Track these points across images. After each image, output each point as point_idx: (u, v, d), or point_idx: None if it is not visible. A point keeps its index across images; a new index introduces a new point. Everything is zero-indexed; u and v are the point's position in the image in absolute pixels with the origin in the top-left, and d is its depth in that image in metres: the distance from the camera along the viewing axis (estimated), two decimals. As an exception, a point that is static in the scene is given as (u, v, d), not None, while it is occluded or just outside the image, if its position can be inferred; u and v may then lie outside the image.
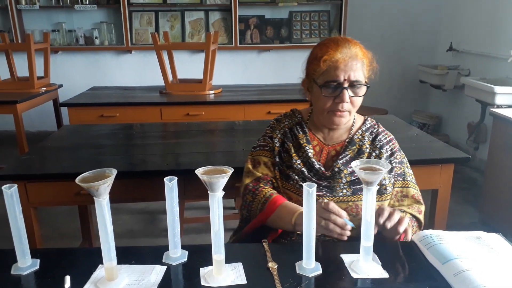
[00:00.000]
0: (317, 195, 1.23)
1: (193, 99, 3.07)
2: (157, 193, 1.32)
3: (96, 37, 4.45)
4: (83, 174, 0.88)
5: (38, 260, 1.02)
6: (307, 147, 1.31)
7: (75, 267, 1.01)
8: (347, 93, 1.22)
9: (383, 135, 1.35)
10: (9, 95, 3.18)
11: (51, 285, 0.94)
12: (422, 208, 1.31)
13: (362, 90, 1.25)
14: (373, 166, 0.94)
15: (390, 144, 1.34)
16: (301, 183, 1.26)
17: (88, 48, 4.48)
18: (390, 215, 1.09)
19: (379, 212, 1.08)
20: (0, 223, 2.23)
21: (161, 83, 3.31)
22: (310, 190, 0.91)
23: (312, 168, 1.29)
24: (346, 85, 1.21)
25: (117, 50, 4.54)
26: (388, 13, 4.64)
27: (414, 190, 1.32)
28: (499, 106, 3.06)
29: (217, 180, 0.87)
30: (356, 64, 1.22)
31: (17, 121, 3.01)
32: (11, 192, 0.93)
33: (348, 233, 1.07)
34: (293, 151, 1.32)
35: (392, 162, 1.31)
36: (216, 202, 0.90)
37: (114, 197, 1.76)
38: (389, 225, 1.07)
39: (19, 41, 4.28)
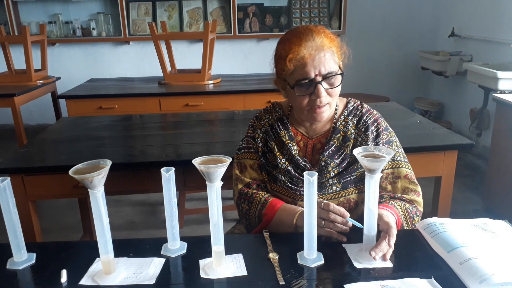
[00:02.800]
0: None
1: (192, 90, 3.03)
2: (157, 185, 1.28)
3: (93, 29, 4.40)
4: (77, 165, 0.86)
5: (34, 254, 1.00)
6: (290, 144, 1.25)
7: (72, 260, 0.99)
8: (322, 87, 1.14)
9: (367, 116, 1.26)
10: (6, 88, 3.15)
11: (48, 280, 0.92)
12: (419, 188, 1.24)
13: (338, 79, 1.16)
14: (375, 153, 0.91)
15: (375, 124, 1.25)
16: (289, 183, 1.22)
17: (86, 39, 4.43)
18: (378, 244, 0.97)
19: (386, 228, 0.99)
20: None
21: (160, 74, 3.27)
22: (311, 179, 0.88)
23: (298, 165, 1.23)
24: (319, 79, 1.13)
25: (114, 41, 4.49)
26: (389, 0, 4.57)
27: (407, 170, 1.23)
28: (502, 92, 3.02)
29: (215, 170, 0.84)
30: (324, 56, 1.12)
31: (15, 114, 2.98)
32: (4, 185, 0.91)
33: (348, 229, 1.03)
34: (276, 150, 1.26)
35: (379, 143, 1.23)
36: (214, 192, 0.88)
37: (114, 189, 1.76)
38: (376, 257, 0.95)
39: (16, 34, 4.23)
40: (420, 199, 1.22)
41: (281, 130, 1.27)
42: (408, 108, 2.46)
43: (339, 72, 1.16)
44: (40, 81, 3.37)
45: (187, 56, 4.35)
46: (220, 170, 0.85)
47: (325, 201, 1.06)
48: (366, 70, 4.64)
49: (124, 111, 2.85)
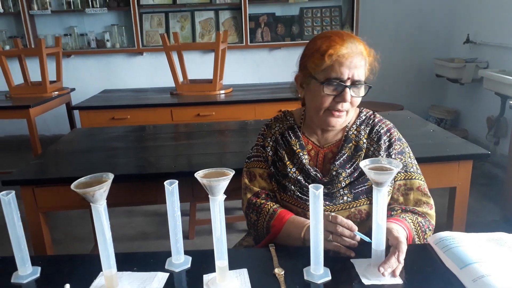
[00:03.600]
0: None
1: (203, 100, 3.04)
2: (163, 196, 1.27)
3: (107, 40, 4.47)
4: (79, 179, 0.85)
5: (39, 268, 1.00)
6: (300, 153, 1.23)
7: (76, 274, 0.99)
8: (349, 92, 1.13)
9: (380, 126, 1.24)
10: (22, 100, 3.21)
11: (52, 294, 0.92)
12: (431, 201, 1.21)
13: (363, 90, 1.17)
14: (383, 166, 0.89)
15: (388, 134, 1.23)
16: (298, 193, 1.20)
17: (100, 51, 4.50)
18: (388, 260, 0.94)
19: (395, 243, 0.96)
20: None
21: (173, 84, 3.29)
22: (316, 192, 0.86)
23: (309, 175, 1.21)
24: (349, 83, 1.13)
25: (128, 52, 4.55)
26: (402, 6, 4.54)
27: (420, 182, 1.21)
28: (520, 99, 2.94)
29: (217, 184, 0.83)
30: (360, 61, 1.13)
31: (30, 125, 3.03)
32: (9, 198, 0.91)
33: (356, 244, 1.00)
34: (286, 159, 1.23)
35: (391, 153, 1.21)
36: (217, 206, 0.86)
37: (123, 200, 1.76)
38: (385, 273, 0.92)
39: (32, 46, 4.32)
40: (432, 212, 1.18)
41: (292, 138, 1.25)
42: (423, 116, 2.42)
43: (367, 83, 1.16)
44: (55, 93, 3.42)
45: (199, 66, 4.37)
46: (222, 184, 0.83)
47: (332, 214, 1.03)
48: (380, 78, 4.53)
49: (136, 121, 2.87)
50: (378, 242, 0.92)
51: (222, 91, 3.21)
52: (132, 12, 4.33)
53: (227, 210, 2.99)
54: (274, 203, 1.22)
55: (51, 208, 1.72)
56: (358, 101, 1.17)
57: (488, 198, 3.07)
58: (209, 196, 0.85)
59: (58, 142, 2.06)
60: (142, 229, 2.85)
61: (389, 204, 1.21)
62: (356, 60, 1.12)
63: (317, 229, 0.89)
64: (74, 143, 2.07)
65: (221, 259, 0.90)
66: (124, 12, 4.45)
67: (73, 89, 3.71)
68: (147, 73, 4.64)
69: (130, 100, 3.17)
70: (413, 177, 1.21)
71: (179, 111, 2.95)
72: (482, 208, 2.93)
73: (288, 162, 1.23)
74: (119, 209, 3.08)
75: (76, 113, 3.06)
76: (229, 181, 0.84)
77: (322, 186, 0.86)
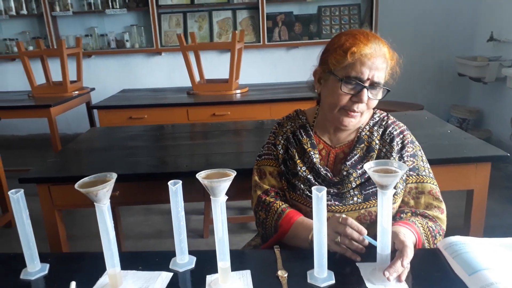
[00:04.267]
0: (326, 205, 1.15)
1: (219, 99, 3.05)
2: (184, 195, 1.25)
3: (127, 40, 4.53)
4: (83, 179, 0.86)
5: (48, 265, 1.02)
6: (311, 152, 1.22)
7: (83, 272, 1.00)
8: (367, 93, 1.12)
9: (393, 127, 1.23)
10: (43, 99, 3.29)
11: (58, 291, 0.93)
12: (443, 205, 1.18)
13: (381, 93, 1.15)
14: (388, 168, 0.87)
15: (401, 136, 1.22)
16: (308, 192, 1.19)
17: (119, 51, 4.57)
18: (393, 264, 0.91)
19: (401, 247, 0.93)
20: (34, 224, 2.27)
21: (190, 84, 3.32)
22: (319, 194, 0.85)
23: (319, 174, 1.19)
24: (367, 84, 1.11)
25: (147, 52, 4.60)
26: (423, 3, 4.43)
27: (432, 186, 1.18)
28: (545, 99, 2.83)
29: (218, 184, 0.83)
30: (382, 64, 1.12)
31: (51, 124, 3.10)
32: (17, 197, 0.93)
33: (364, 249, 0.98)
34: (297, 157, 1.23)
35: (403, 155, 1.19)
36: (219, 207, 0.86)
37: (142, 199, 1.77)
38: (391, 278, 0.89)
39: (55, 47, 4.43)
40: (443, 216, 1.16)
41: (303, 137, 1.25)
42: (444, 116, 2.36)
43: (386, 87, 1.14)
44: (75, 92, 3.49)
45: (217, 66, 4.38)
46: (223, 185, 0.83)
47: (344, 216, 1.02)
48: (399, 77, 4.50)
49: (153, 121, 2.91)
50: (383, 246, 0.90)
51: (238, 91, 3.21)
52: (150, 12, 4.38)
53: (241, 210, 2.99)
54: (283, 202, 1.22)
55: (66, 206, 1.75)
56: (374, 103, 1.16)
57: (510, 201, 2.97)
58: (211, 197, 0.85)
59: (75, 141, 2.10)
60: (158, 227, 2.88)
61: (399, 207, 1.19)
62: (378, 61, 1.11)
63: (321, 231, 0.88)
64: (90, 142, 2.11)
65: (223, 260, 0.89)
66: (143, 12, 4.50)
67: (92, 89, 3.78)
68: (166, 73, 4.68)
69: (147, 99, 3.21)
70: (425, 181, 1.19)
71: (195, 111, 2.97)
72: (503, 211, 2.84)
73: (299, 161, 1.22)
74: (137, 207, 3.12)
75: (95, 112, 3.12)
76: (230, 182, 0.84)
77: (325, 188, 0.85)
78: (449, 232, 1.10)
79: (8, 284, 0.96)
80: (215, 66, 4.33)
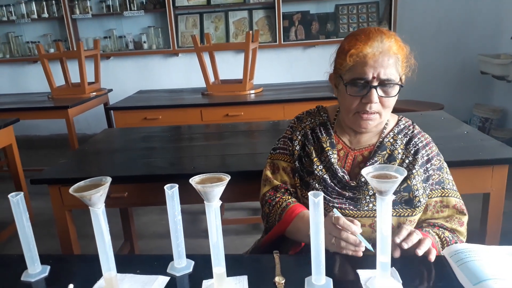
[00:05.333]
0: (339, 208, 1.13)
1: (233, 100, 3.04)
2: (193, 196, 1.23)
3: (144, 42, 4.59)
4: (78, 183, 0.86)
5: (48, 267, 1.03)
6: (330, 152, 1.17)
7: (82, 274, 1.01)
8: (376, 93, 1.07)
9: (418, 138, 1.18)
10: (62, 100, 3.36)
11: (57, 293, 0.94)
12: (465, 219, 1.15)
13: (395, 89, 1.09)
14: (387, 173, 0.84)
15: (427, 148, 1.17)
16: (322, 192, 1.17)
17: (137, 52, 4.63)
18: (409, 235, 0.96)
19: (396, 231, 0.97)
20: (49, 223, 2.32)
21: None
22: (316, 200, 0.82)
23: (336, 175, 1.16)
24: (375, 83, 1.07)
25: (164, 53, 4.65)
26: (444, 0, 4.32)
27: (456, 200, 1.16)
28: None
29: (211, 190, 0.81)
30: (388, 60, 1.06)
31: (68, 125, 3.16)
32: (17, 200, 0.94)
33: (362, 248, 0.96)
34: (314, 155, 1.19)
35: (429, 169, 1.15)
36: (213, 212, 0.85)
37: (155, 200, 1.78)
38: (405, 245, 0.94)
39: (75, 49, 4.52)
40: (463, 229, 1.13)
41: (323, 135, 1.21)
42: (466, 116, 2.28)
43: (399, 82, 1.09)
44: (93, 93, 3.55)
45: (232, 66, 4.38)
46: (216, 190, 0.82)
47: (336, 215, 0.99)
48: (419, 75, 4.38)
49: (167, 122, 2.93)
50: (382, 253, 0.87)
51: (252, 91, 3.20)
52: (167, 13, 4.42)
53: (254, 211, 2.98)
54: (290, 197, 1.20)
55: (76, 206, 1.77)
56: (390, 102, 1.10)
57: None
58: (205, 202, 0.84)
59: (88, 143, 2.13)
60: (171, 227, 2.90)
61: (421, 221, 1.17)
62: (382, 58, 1.06)
63: (318, 238, 0.86)
64: (103, 143, 2.14)
65: (218, 265, 0.88)
66: (160, 13, 4.55)
67: (110, 90, 3.84)
68: (182, 73, 4.72)
69: (162, 100, 3.23)
70: (449, 195, 1.16)
71: (208, 112, 2.98)
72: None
73: (316, 159, 1.19)
74: (151, 207, 3.15)
75: (112, 113, 3.16)
76: (224, 187, 0.83)
77: (322, 194, 0.83)
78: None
79: (9, 286, 0.98)
80: (231, 66, 4.34)
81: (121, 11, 4.48)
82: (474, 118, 4.25)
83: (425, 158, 1.16)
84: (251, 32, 3.10)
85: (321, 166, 1.18)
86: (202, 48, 3.24)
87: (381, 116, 1.12)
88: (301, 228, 1.10)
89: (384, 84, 1.07)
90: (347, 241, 0.96)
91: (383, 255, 0.87)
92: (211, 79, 3.33)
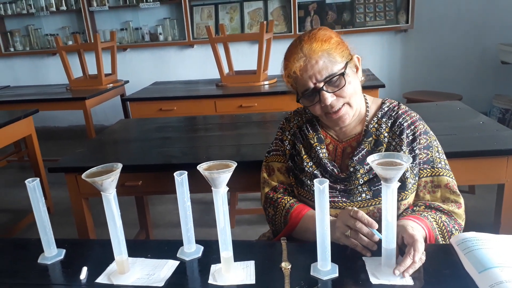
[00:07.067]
0: (332, 201, 1.13)
1: (247, 91, 3.05)
2: (205, 185, 1.25)
3: (160, 33, 4.62)
4: (91, 169, 0.89)
5: (64, 250, 1.07)
6: (318, 147, 1.19)
7: (96, 258, 1.04)
8: (326, 93, 1.08)
9: (403, 118, 1.15)
10: (80, 92, 3.43)
11: (71, 275, 0.98)
12: (461, 200, 1.12)
13: (343, 79, 1.08)
14: (392, 161, 0.84)
15: (412, 127, 1.14)
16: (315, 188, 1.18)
17: (153, 44, 4.67)
18: (412, 264, 0.88)
19: (411, 241, 0.90)
20: (67, 212, 2.37)
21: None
22: (321, 187, 0.83)
23: (326, 170, 1.17)
24: (320, 86, 1.08)
25: (179, 45, 4.68)
26: (464, -12, 4.22)
27: (448, 178, 1.12)
28: None
29: (217, 176, 0.83)
30: (316, 62, 1.07)
31: (86, 116, 3.23)
32: (33, 185, 0.98)
33: (375, 245, 0.96)
34: (303, 152, 1.21)
35: (415, 148, 1.12)
36: (220, 198, 0.86)
37: (168, 189, 1.81)
38: (406, 275, 0.88)
39: (92, 41, 4.59)
40: (460, 211, 1.10)
41: (310, 132, 1.22)
42: (486, 106, 2.23)
43: (342, 71, 1.08)
44: (110, 85, 3.61)
45: (248, 57, 4.39)
46: (223, 176, 0.83)
47: (355, 209, 0.99)
48: (437, 66, 4.33)
49: (182, 112, 2.96)
50: (388, 240, 0.87)
51: (266, 82, 3.20)
52: (183, 5, 4.44)
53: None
54: (291, 198, 1.21)
55: (92, 194, 1.82)
56: (349, 90, 1.10)
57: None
58: (212, 188, 0.86)
59: (103, 133, 2.17)
60: (186, 216, 2.94)
61: (414, 201, 1.15)
62: (310, 64, 1.08)
63: (323, 224, 0.87)
64: (117, 133, 2.18)
65: (226, 250, 0.90)
66: (175, 5, 4.57)
67: (126, 81, 3.89)
68: (198, 65, 4.74)
69: (176, 92, 3.26)
70: (440, 174, 1.13)
71: (222, 102, 3.00)
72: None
73: (305, 156, 1.20)
74: (167, 196, 3.20)
75: (128, 104, 3.21)
76: (230, 173, 0.84)
77: (327, 181, 0.84)
78: (479, 229, 1.04)
79: (27, 267, 1.02)
80: (246, 57, 4.34)
81: (137, 3, 4.51)
82: (494, 109, 4.16)
83: (410, 137, 1.14)
84: (265, 22, 3.10)
85: (311, 163, 1.19)
86: (216, 39, 3.25)
87: (351, 105, 1.13)
88: (309, 227, 1.11)
89: (328, 81, 1.08)
90: (361, 231, 0.96)
91: (388, 243, 0.88)
92: (226, 70, 3.34)
